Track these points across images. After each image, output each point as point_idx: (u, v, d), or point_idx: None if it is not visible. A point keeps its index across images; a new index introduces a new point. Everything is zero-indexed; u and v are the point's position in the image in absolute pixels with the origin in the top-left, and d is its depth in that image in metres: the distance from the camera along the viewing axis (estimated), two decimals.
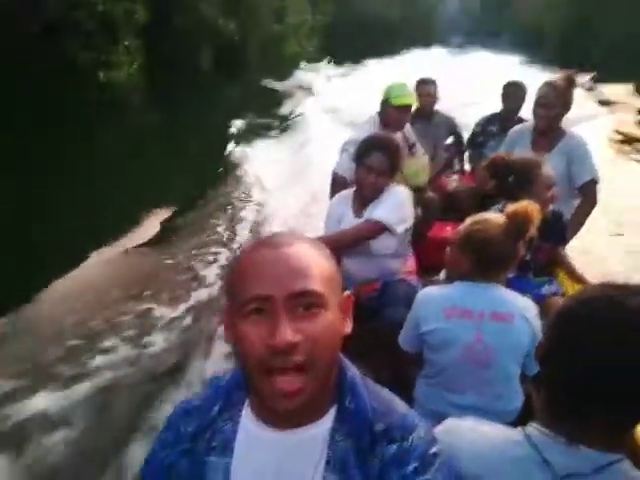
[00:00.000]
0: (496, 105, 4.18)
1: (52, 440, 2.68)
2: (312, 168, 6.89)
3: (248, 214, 5.99)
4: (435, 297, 1.82)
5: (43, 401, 2.91)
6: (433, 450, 0.87)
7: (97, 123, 10.12)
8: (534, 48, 36.77)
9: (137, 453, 2.52)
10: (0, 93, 9.31)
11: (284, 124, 10.76)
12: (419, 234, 2.96)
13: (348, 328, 0.90)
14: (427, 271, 2.99)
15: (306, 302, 0.80)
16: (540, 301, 2.11)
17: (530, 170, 2.37)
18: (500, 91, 4.05)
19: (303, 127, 9.97)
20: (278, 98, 13.43)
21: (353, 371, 0.93)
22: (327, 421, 0.88)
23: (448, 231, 3.47)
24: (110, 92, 12.63)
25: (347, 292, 0.92)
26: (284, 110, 12.06)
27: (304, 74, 18.25)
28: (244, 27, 19.65)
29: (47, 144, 8.14)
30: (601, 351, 0.87)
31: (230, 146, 8.71)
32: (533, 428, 0.95)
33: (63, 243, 5.15)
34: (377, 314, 2.42)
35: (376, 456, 0.85)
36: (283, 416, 0.85)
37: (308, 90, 14.64)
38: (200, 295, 4.13)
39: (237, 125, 10.48)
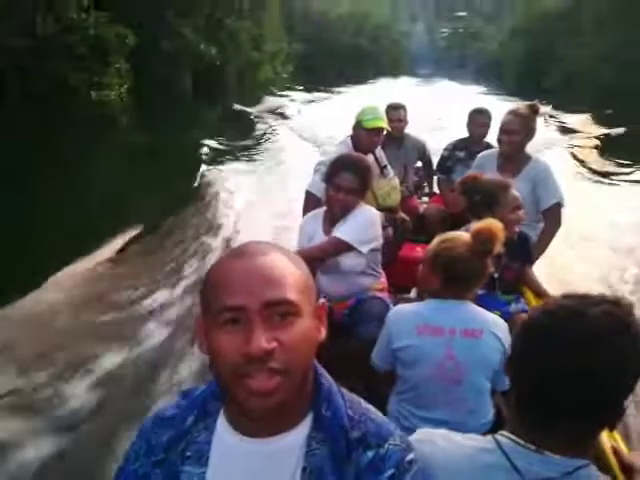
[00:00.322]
0: (459, 130, 4.29)
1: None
2: (284, 186, 7.07)
3: (220, 230, 5.96)
4: (407, 314, 1.83)
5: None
6: (409, 457, 0.87)
7: (87, 140, 10.57)
8: (496, 79, 37.99)
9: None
10: None
11: (257, 146, 11.14)
12: (390, 254, 2.99)
13: (322, 335, 0.89)
14: (398, 290, 3.02)
15: (281, 311, 0.80)
16: (507, 318, 2.14)
17: (496, 191, 2.43)
18: (464, 118, 4.15)
19: (275, 148, 10.47)
20: (252, 121, 13.70)
21: (329, 380, 0.92)
22: (303, 429, 0.87)
23: (418, 252, 3.52)
24: (101, 110, 13.29)
25: (321, 300, 0.92)
26: (258, 133, 12.36)
27: (278, 99, 18.54)
28: (224, 53, 20.58)
29: (36, 156, 8.32)
30: (562, 361, 0.89)
31: (204, 166, 8.90)
32: (503, 436, 0.97)
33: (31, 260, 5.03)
34: (350, 331, 2.43)
35: (352, 463, 0.85)
36: (258, 422, 0.84)
37: (281, 114, 15.11)
38: (170, 309, 4.06)
39: (213, 145, 10.78)
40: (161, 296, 4.26)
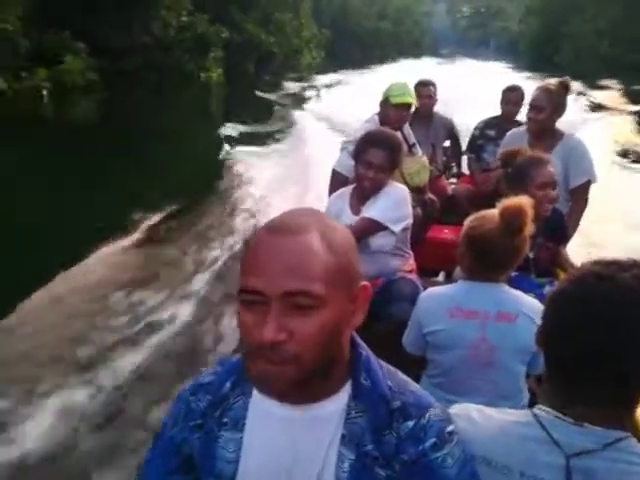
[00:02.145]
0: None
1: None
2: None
3: (248, 206, 5.94)
4: (438, 297, 1.70)
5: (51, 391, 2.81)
6: (450, 428, 0.83)
7: (199, 106, 14.63)
8: (516, 56, 37.36)
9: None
10: (127, 90, 13.81)
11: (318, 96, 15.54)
12: (417, 235, 2.78)
13: (358, 320, 0.82)
14: (425, 273, 2.82)
15: (300, 302, 0.74)
16: (542, 300, 1.95)
17: (528, 166, 2.22)
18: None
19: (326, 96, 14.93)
20: (303, 97, 16.68)
21: (367, 350, 0.87)
22: (342, 397, 0.83)
23: (447, 233, 3.31)
24: (207, 87, 18.25)
25: (363, 282, 0.82)
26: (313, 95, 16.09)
27: (318, 79, 21.59)
28: (275, 42, 24.77)
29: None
30: (593, 329, 0.84)
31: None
32: (540, 410, 0.90)
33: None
34: (379, 312, 2.26)
35: (392, 432, 0.81)
36: (285, 396, 0.80)
37: (322, 89, 18.15)
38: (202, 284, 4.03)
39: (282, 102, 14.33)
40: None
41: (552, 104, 2.75)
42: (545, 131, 2.81)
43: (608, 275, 0.85)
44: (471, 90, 13.08)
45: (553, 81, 2.85)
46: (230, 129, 10.31)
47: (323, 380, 0.80)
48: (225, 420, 0.87)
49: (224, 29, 20.19)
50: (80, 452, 2.50)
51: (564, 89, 2.79)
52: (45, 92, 12.24)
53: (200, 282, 4.11)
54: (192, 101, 15.40)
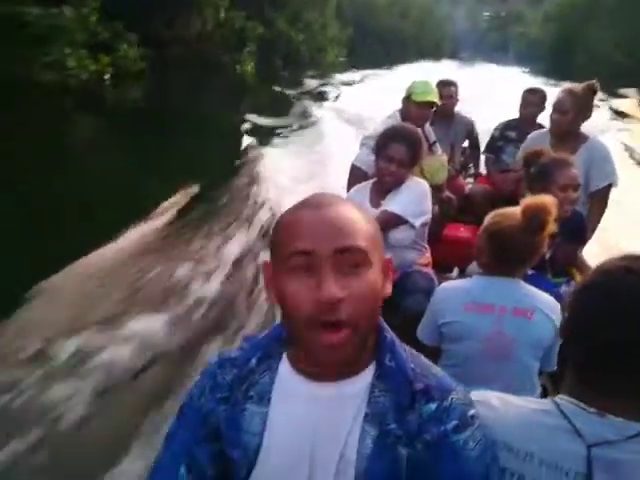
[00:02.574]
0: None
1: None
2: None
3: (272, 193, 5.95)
4: (454, 291, 1.70)
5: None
6: (472, 412, 0.84)
7: (235, 94, 15.72)
8: (535, 61, 37.07)
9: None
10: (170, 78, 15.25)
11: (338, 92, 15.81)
12: (434, 232, 2.77)
13: (388, 291, 0.84)
14: (440, 269, 2.81)
15: (351, 259, 0.76)
16: (558, 300, 1.95)
17: (552, 166, 2.20)
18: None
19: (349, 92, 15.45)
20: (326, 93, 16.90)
21: (391, 333, 0.88)
22: (366, 377, 0.84)
23: (462, 232, 3.31)
24: (241, 78, 19.43)
25: (388, 255, 0.86)
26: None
27: (340, 76, 22.06)
28: (304, 39, 25.67)
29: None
30: (619, 321, 0.83)
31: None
32: (562, 399, 0.89)
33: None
34: (395, 304, 2.26)
35: (414, 413, 0.81)
36: (324, 369, 0.82)
37: (348, 84, 18.89)
38: (230, 262, 4.12)
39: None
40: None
41: (576, 107, 2.72)
42: (568, 134, 2.77)
43: (636, 269, 0.84)
44: (489, 92, 13.19)
45: (580, 85, 2.79)
46: (257, 119, 10.68)
47: (354, 359, 0.81)
48: (251, 394, 0.88)
49: (259, 25, 21.27)
50: None
51: (591, 92, 2.75)
52: (108, 76, 13.48)
53: (227, 258, 4.19)
54: (227, 91, 16.27)
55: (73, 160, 7.40)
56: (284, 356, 0.89)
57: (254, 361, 0.90)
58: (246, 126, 9.96)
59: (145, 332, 3.14)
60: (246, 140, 8.72)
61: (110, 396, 2.64)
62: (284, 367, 0.88)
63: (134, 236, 4.51)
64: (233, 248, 4.43)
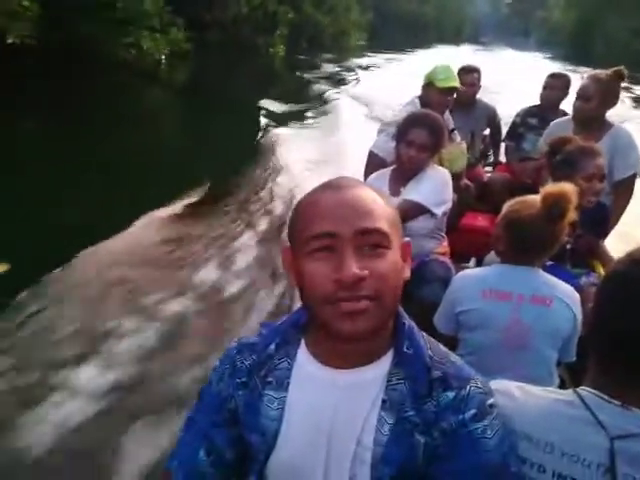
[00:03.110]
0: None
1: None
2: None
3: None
4: (472, 279, 1.66)
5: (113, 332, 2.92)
6: (490, 401, 0.82)
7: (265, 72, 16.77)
8: (556, 47, 36.39)
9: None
10: (210, 59, 16.09)
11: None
12: (452, 221, 2.70)
13: (407, 273, 0.83)
14: (457, 258, 2.74)
15: (372, 241, 0.75)
16: (578, 291, 1.89)
17: (578, 155, 2.12)
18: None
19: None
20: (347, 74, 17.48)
21: (409, 321, 0.87)
22: (384, 364, 0.83)
23: (480, 221, 3.23)
24: (272, 59, 20.46)
25: (406, 239, 0.85)
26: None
27: (362, 59, 22.62)
28: (329, 22, 26.69)
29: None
30: None
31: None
32: (585, 391, 0.87)
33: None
34: (412, 293, 2.22)
35: (432, 401, 0.80)
36: (344, 349, 0.81)
37: (367, 69, 19.15)
38: (249, 250, 4.10)
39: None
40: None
41: (600, 94, 2.60)
42: (592, 121, 2.66)
43: None
44: (506, 77, 13.20)
45: (606, 71, 2.67)
46: (285, 101, 11.26)
47: (372, 342, 0.80)
48: (270, 379, 0.87)
49: (289, 9, 22.08)
50: None
51: (618, 78, 2.63)
52: (163, 57, 14.72)
53: (244, 242, 4.20)
54: (261, 72, 17.34)
55: (138, 125, 8.51)
56: (302, 342, 0.89)
57: (272, 347, 0.89)
58: (276, 108, 10.55)
59: (166, 313, 3.16)
60: (273, 121, 9.13)
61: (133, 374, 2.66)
62: (302, 353, 0.88)
63: (157, 218, 4.54)
64: (254, 231, 4.44)
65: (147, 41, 13.56)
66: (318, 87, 13.55)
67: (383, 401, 0.81)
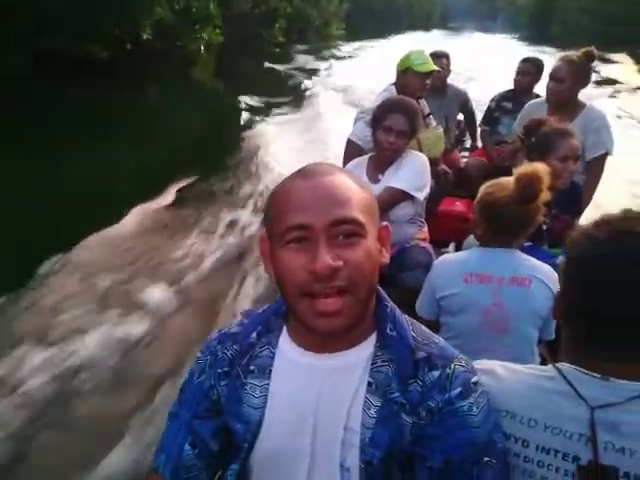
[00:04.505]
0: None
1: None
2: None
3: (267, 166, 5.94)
4: (453, 263, 1.63)
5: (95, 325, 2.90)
6: (474, 379, 0.80)
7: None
8: (521, 29, 36.92)
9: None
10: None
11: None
12: (429, 207, 2.64)
13: (386, 258, 0.81)
14: (437, 244, 2.71)
15: (346, 230, 0.72)
16: (556, 271, 1.86)
17: (552, 136, 2.07)
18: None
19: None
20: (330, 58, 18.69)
21: (392, 303, 0.85)
22: (367, 347, 0.81)
23: (458, 206, 3.18)
24: (275, 48, 21.54)
25: (384, 223, 0.82)
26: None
27: (344, 45, 24.39)
28: (317, 14, 28.37)
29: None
30: (610, 283, 0.80)
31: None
32: (565, 365, 0.86)
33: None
34: (393, 279, 2.17)
35: (417, 381, 0.78)
36: (322, 340, 0.79)
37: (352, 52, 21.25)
38: (228, 239, 4.08)
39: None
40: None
41: (573, 75, 2.55)
42: (565, 102, 2.61)
43: (625, 236, 0.81)
44: (476, 60, 13.65)
45: (577, 52, 2.62)
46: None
47: (358, 324, 0.77)
48: (252, 368, 0.85)
49: (288, 5, 23.50)
50: None
51: (588, 59, 2.58)
52: (202, 48, 16.44)
53: (222, 235, 4.15)
54: (270, 56, 18.35)
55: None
56: (284, 330, 0.86)
57: (254, 335, 0.87)
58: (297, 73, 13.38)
59: (152, 303, 3.15)
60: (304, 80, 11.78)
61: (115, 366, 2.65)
62: (284, 340, 0.85)
63: (140, 213, 4.46)
64: (236, 221, 4.39)
65: (205, 34, 16.29)
66: (311, 63, 16.49)
67: (369, 384, 0.79)
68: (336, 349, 0.80)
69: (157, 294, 3.23)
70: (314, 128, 7.41)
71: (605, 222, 0.86)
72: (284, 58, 17.87)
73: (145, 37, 12.76)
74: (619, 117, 8.14)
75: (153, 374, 2.55)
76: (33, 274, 3.33)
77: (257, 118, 8.51)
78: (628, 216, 0.85)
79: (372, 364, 0.80)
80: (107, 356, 2.67)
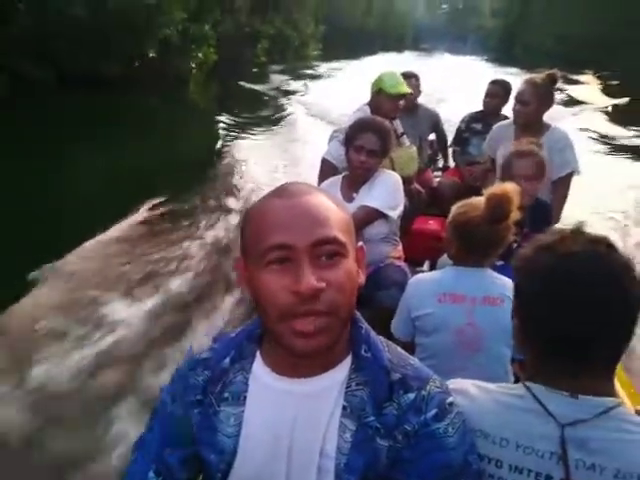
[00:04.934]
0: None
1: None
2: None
3: (239, 184, 5.91)
4: (426, 283, 1.62)
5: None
6: (449, 400, 0.80)
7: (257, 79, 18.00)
8: (490, 51, 38.32)
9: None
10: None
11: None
12: (403, 226, 2.65)
13: (362, 279, 0.79)
14: (411, 263, 2.70)
15: (328, 250, 0.71)
16: None
17: (512, 157, 2.14)
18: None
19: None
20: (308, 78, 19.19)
21: (366, 324, 0.83)
22: (342, 370, 0.79)
23: (432, 224, 3.20)
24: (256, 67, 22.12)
25: (359, 243, 0.82)
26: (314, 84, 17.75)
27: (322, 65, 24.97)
28: (297, 35, 29.24)
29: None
30: (586, 302, 0.80)
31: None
32: (533, 383, 0.87)
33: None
34: (368, 298, 2.15)
35: (393, 404, 0.77)
36: (298, 363, 0.76)
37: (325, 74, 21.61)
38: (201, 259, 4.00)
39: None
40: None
41: (538, 97, 2.61)
42: (531, 124, 2.66)
43: (580, 256, 0.82)
44: (446, 80, 14.11)
45: (540, 75, 2.68)
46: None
47: (335, 345, 0.76)
48: (226, 395, 0.82)
49: (271, 27, 24.66)
50: None
51: (551, 82, 2.65)
52: (194, 66, 17.15)
53: (197, 257, 4.05)
54: (253, 75, 19.23)
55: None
56: (258, 355, 0.84)
57: (227, 361, 0.84)
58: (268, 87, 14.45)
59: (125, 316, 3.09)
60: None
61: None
62: (258, 366, 0.83)
63: (113, 233, 4.38)
64: (211, 239, 4.32)
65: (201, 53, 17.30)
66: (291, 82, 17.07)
67: (343, 407, 0.77)
68: (311, 373, 0.78)
69: (125, 313, 3.14)
70: (291, 144, 7.51)
71: (544, 247, 0.86)
72: (263, 77, 18.38)
73: (151, 55, 14.12)
74: (583, 135, 8.41)
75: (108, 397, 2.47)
76: None
77: (234, 135, 8.68)
78: (564, 236, 0.86)
79: (347, 387, 0.78)
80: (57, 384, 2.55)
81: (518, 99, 2.66)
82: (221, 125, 9.37)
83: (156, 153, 7.24)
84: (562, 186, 2.67)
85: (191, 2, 15.47)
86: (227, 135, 8.65)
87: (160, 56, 14.24)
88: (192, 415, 0.84)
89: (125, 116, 9.68)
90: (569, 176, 2.66)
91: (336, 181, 2.41)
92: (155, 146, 7.72)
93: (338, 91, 11.76)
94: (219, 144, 7.95)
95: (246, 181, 5.91)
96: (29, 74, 10.42)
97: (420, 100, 3.77)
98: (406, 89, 2.92)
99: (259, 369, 0.82)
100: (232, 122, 9.68)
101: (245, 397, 0.81)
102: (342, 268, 0.72)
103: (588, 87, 16.79)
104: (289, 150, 7.30)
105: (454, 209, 1.63)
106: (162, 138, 8.53)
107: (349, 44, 36.68)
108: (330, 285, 0.70)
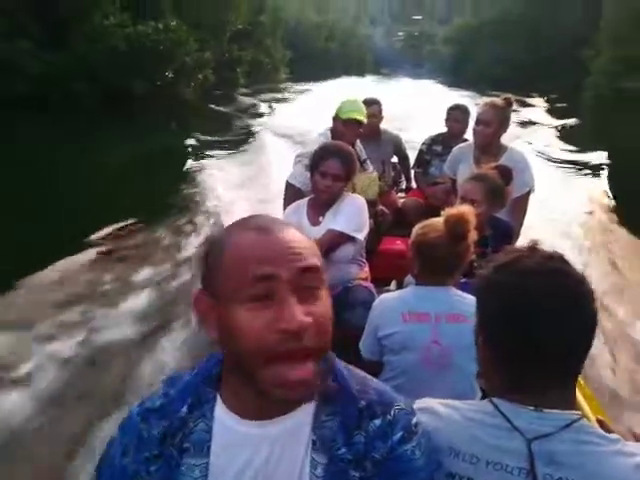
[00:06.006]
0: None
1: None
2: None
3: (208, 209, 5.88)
4: (392, 302, 1.62)
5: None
6: (414, 420, 0.77)
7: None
8: (445, 74, 39.88)
9: None
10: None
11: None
12: (370, 247, 2.66)
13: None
14: (378, 283, 2.71)
15: (311, 280, 0.68)
16: None
17: (465, 180, 2.22)
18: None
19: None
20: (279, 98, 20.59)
21: (331, 352, 0.77)
22: (309, 404, 0.74)
23: (398, 244, 3.22)
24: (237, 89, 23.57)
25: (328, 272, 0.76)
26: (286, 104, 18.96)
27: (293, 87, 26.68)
28: (269, 61, 30.87)
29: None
30: (544, 317, 0.81)
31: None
32: (499, 399, 0.86)
33: None
34: (336, 318, 2.13)
35: (361, 432, 0.73)
36: (270, 404, 0.70)
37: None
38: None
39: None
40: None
41: (498, 119, 2.69)
42: (491, 145, 2.74)
43: (537, 268, 0.83)
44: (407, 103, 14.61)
45: (498, 98, 2.78)
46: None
47: None
48: (186, 446, 0.73)
49: (249, 54, 26.64)
50: None
51: (508, 105, 2.74)
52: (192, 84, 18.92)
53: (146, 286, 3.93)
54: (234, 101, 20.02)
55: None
56: (218, 398, 0.75)
57: (185, 409, 0.75)
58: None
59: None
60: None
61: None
62: (220, 410, 0.74)
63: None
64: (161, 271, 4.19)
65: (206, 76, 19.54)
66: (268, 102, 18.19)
67: (313, 442, 0.72)
68: (281, 412, 0.72)
69: (72, 348, 3.00)
70: (256, 164, 7.62)
71: (502, 266, 0.87)
72: (234, 100, 19.41)
73: (169, 76, 16.79)
74: (537, 154, 8.76)
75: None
76: None
77: (203, 155, 8.89)
78: (520, 254, 0.87)
79: (315, 420, 0.73)
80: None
81: (480, 120, 2.72)
82: (185, 147, 9.57)
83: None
84: (521, 204, 2.74)
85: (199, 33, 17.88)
86: (191, 156, 8.83)
87: (175, 77, 17.18)
88: (149, 472, 0.74)
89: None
90: (527, 195, 2.74)
91: (302, 204, 2.41)
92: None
93: (305, 111, 12.56)
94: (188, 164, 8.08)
95: (210, 200, 5.89)
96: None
97: (383, 125, 3.81)
98: (358, 116, 2.89)
99: (222, 414, 0.74)
100: (192, 146, 9.86)
101: (209, 447, 0.73)
102: (322, 300, 0.69)
103: (537, 109, 17.53)
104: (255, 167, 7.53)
105: (415, 230, 1.65)
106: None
107: (312, 68, 37.57)
108: (315, 319, 0.66)
